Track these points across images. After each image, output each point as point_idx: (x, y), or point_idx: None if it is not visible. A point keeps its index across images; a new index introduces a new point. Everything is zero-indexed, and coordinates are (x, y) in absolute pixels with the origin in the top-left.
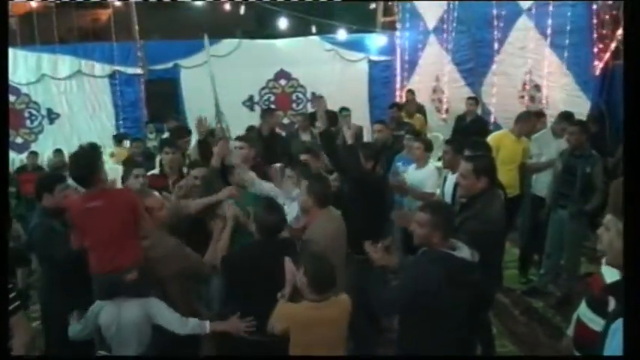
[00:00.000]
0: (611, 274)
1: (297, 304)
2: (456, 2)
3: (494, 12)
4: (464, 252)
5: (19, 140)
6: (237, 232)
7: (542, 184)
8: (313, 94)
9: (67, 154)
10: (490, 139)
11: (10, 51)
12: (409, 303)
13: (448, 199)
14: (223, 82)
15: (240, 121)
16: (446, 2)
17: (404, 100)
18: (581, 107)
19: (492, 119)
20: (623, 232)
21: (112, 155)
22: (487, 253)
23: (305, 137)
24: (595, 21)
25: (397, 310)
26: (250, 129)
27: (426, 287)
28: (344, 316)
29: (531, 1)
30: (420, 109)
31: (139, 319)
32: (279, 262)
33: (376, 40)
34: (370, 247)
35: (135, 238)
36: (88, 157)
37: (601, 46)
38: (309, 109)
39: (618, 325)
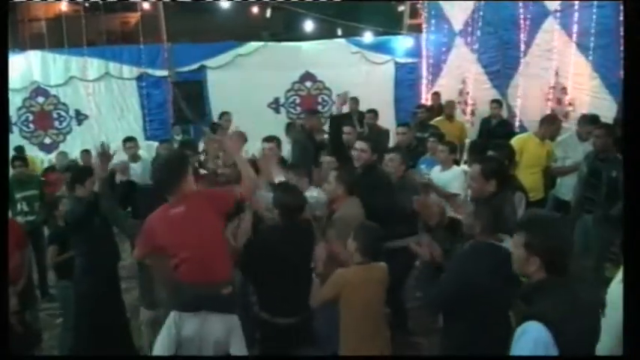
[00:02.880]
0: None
1: (348, 268)
2: (482, 4)
3: (521, 13)
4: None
5: (47, 141)
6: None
7: (566, 187)
8: (338, 96)
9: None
10: (513, 142)
11: (39, 53)
12: (457, 295)
13: None
14: (249, 84)
15: (265, 123)
16: (472, 4)
17: (429, 102)
18: (609, 110)
19: (518, 122)
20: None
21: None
22: None
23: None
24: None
25: (446, 304)
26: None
27: (473, 279)
28: (385, 278)
29: (558, 1)
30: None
31: (221, 336)
32: (299, 245)
33: (402, 43)
34: (415, 245)
35: (226, 247)
36: (175, 165)
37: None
38: (334, 111)
39: (524, 328)
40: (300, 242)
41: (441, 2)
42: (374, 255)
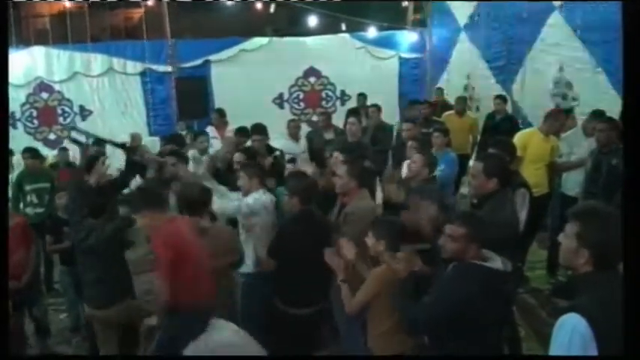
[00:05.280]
0: None
1: (383, 267)
2: None
3: (526, 8)
4: (496, 262)
5: (52, 136)
6: None
7: (572, 183)
8: (343, 91)
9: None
10: (517, 137)
11: (44, 49)
12: (443, 319)
13: None
14: (253, 79)
15: (269, 118)
16: None
17: (433, 97)
18: (614, 105)
19: (523, 117)
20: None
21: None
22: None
23: (328, 136)
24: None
25: (433, 328)
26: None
27: (460, 302)
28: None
29: None
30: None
31: (232, 336)
32: (318, 233)
33: (406, 38)
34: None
35: None
36: (203, 189)
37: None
38: (338, 106)
39: (563, 320)
40: (319, 229)
41: None
42: (399, 246)
